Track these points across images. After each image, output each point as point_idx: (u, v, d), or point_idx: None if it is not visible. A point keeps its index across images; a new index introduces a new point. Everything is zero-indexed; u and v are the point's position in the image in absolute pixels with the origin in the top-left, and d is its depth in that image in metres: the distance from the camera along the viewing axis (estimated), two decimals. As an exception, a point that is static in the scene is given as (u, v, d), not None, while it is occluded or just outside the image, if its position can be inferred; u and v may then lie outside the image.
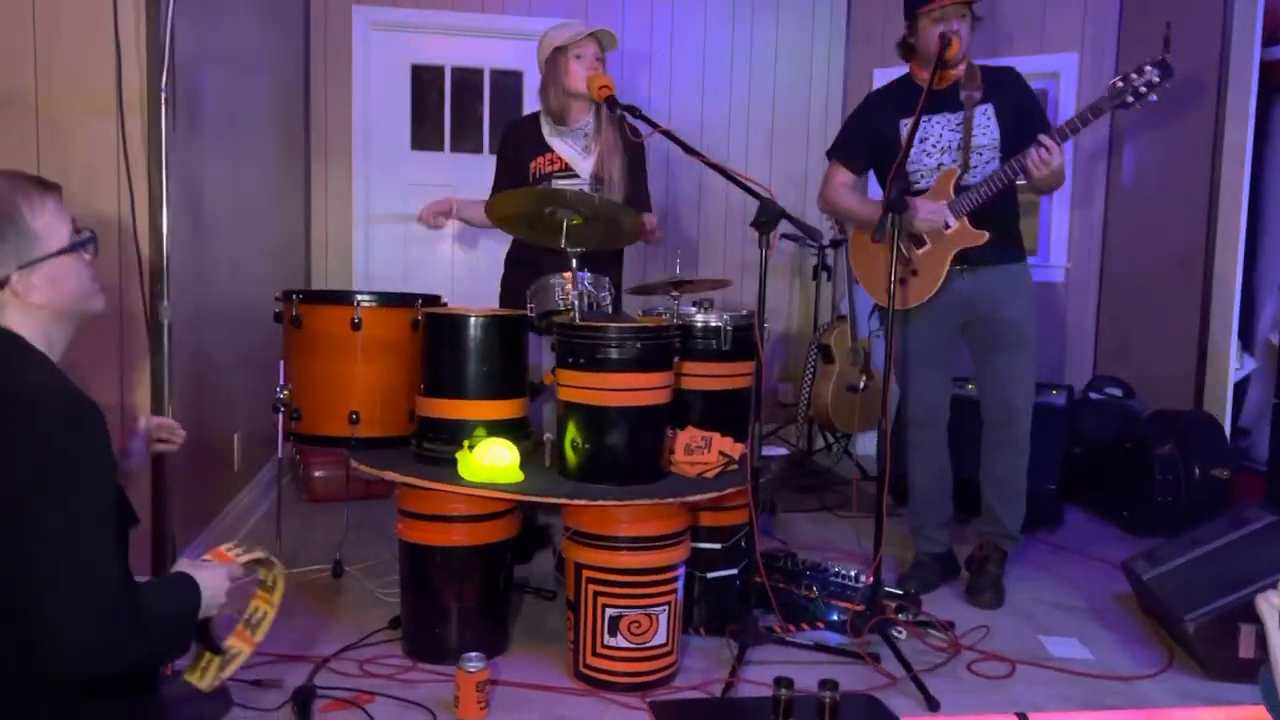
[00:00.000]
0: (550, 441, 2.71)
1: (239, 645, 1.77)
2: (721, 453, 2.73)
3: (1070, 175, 5.05)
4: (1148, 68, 2.92)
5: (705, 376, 2.87)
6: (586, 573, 2.54)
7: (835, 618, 2.93)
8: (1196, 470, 3.96)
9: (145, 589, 1.66)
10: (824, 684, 1.81)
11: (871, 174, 3.48)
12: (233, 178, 3.76)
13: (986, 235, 3.11)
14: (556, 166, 3.43)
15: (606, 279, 2.98)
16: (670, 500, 2.53)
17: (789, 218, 2.56)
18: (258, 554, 1.78)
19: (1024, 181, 3.12)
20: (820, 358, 4.92)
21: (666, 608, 2.56)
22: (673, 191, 5.50)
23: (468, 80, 5.44)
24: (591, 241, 2.92)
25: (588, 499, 2.49)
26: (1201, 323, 4.31)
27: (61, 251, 1.59)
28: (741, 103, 5.65)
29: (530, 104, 3.61)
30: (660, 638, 2.56)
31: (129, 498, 1.68)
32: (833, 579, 3.02)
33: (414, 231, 5.10)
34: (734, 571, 2.92)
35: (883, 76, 4.95)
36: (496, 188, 3.49)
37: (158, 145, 2.66)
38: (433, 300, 2.94)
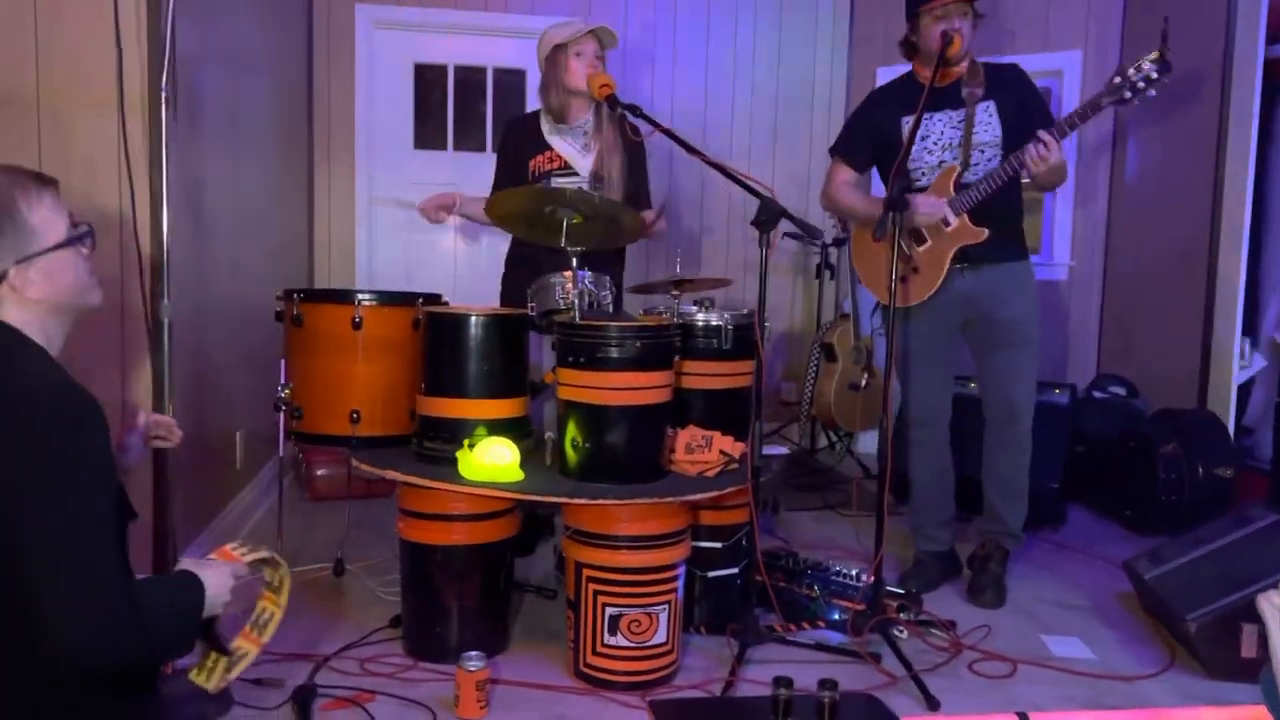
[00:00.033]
0: (551, 440, 2.71)
1: (246, 646, 1.77)
2: (722, 452, 2.72)
3: (1073, 173, 5.04)
4: (1146, 63, 2.91)
5: (706, 375, 2.87)
6: (587, 572, 2.54)
7: (836, 617, 2.92)
8: (1200, 469, 3.95)
9: (145, 585, 1.66)
10: (823, 683, 1.81)
11: (874, 171, 3.48)
12: (234, 176, 3.76)
13: (986, 232, 3.10)
14: (556, 164, 3.43)
15: (607, 278, 2.98)
16: (670, 499, 2.53)
17: (789, 216, 2.56)
18: (263, 553, 1.78)
19: (1028, 180, 3.12)
20: (823, 356, 4.92)
21: (667, 607, 2.56)
22: (675, 190, 5.50)
23: (471, 79, 5.44)
24: (591, 240, 2.92)
25: (588, 498, 2.49)
26: (1205, 321, 4.30)
27: (59, 246, 1.59)
28: (744, 101, 5.64)
29: (533, 103, 3.61)
30: (660, 637, 2.55)
31: (127, 492, 1.68)
32: (834, 578, 3.02)
33: (417, 231, 5.11)
34: (735, 570, 2.92)
35: (886, 74, 4.94)
36: (496, 186, 3.49)
37: (158, 143, 2.66)
38: (433, 299, 2.94)
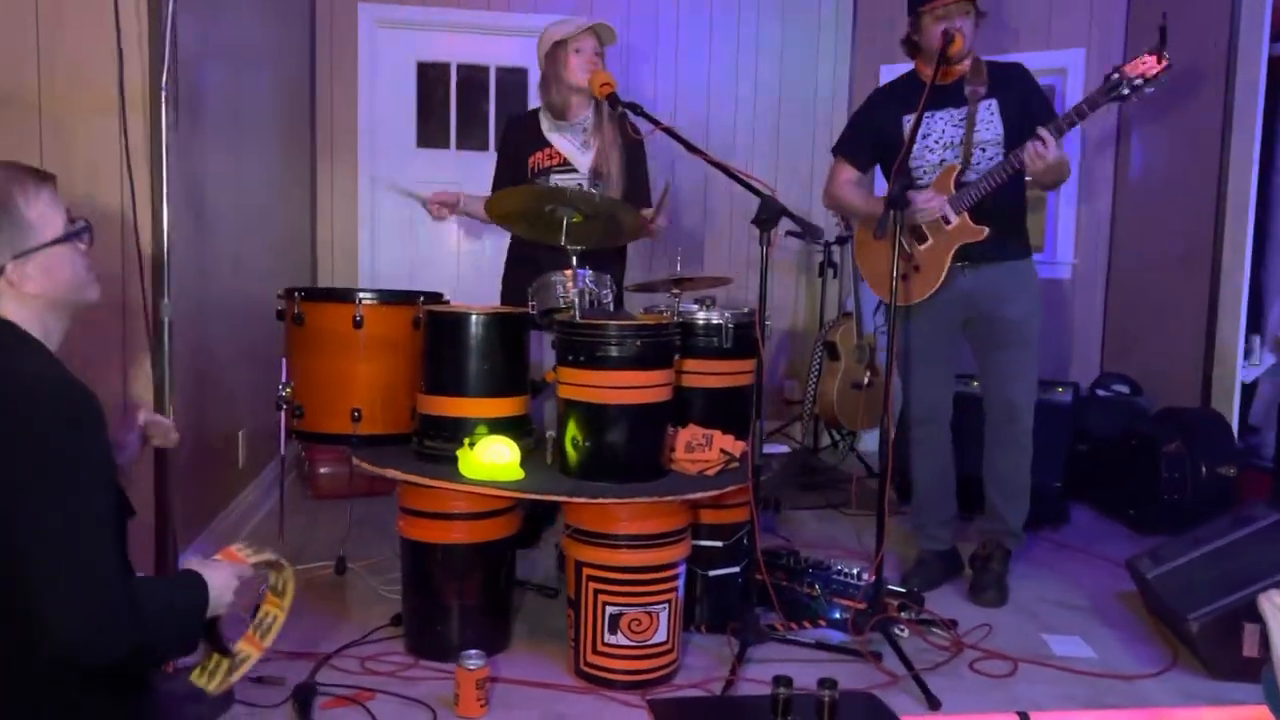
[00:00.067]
0: (552, 439, 2.71)
1: (248, 649, 1.76)
2: (722, 450, 2.72)
3: (1077, 171, 5.03)
4: (1143, 59, 2.90)
5: (707, 374, 2.87)
6: (587, 570, 2.54)
7: (837, 616, 2.92)
8: (1203, 468, 3.94)
9: (146, 584, 1.66)
10: (823, 683, 1.81)
11: (878, 170, 3.47)
12: (237, 174, 3.77)
13: (986, 231, 3.09)
14: (555, 161, 3.44)
15: (608, 276, 2.98)
16: (670, 498, 2.53)
17: (790, 215, 2.55)
18: (268, 556, 1.77)
19: (1029, 178, 3.11)
20: (826, 355, 4.92)
21: (667, 606, 2.56)
22: (677, 189, 5.49)
23: (473, 77, 5.44)
24: (591, 239, 2.92)
25: (588, 497, 2.49)
26: (1209, 319, 4.29)
27: (56, 241, 1.59)
28: (747, 99, 5.63)
29: (535, 101, 3.62)
30: (661, 636, 2.56)
31: (127, 491, 1.68)
32: (835, 577, 3.01)
33: (420, 229, 5.11)
34: (736, 569, 2.92)
35: (889, 72, 4.94)
36: (497, 185, 3.50)
37: (159, 142, 2.66)
38: (434, 298, 2.94)
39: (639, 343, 2.54)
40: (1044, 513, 3.96)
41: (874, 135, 3.33)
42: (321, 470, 4.26)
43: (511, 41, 5.31)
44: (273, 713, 2.35)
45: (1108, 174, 5.09)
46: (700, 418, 2.82)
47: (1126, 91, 2.92)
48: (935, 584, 3.33)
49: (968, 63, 3.18)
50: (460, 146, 5.45)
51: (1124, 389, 4.65)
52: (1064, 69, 5.03)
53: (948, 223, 3.13)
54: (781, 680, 1.80)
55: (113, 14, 2.60)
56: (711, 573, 2.89)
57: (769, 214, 2.52)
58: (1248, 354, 4.40)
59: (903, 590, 3.09)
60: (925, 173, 3.21)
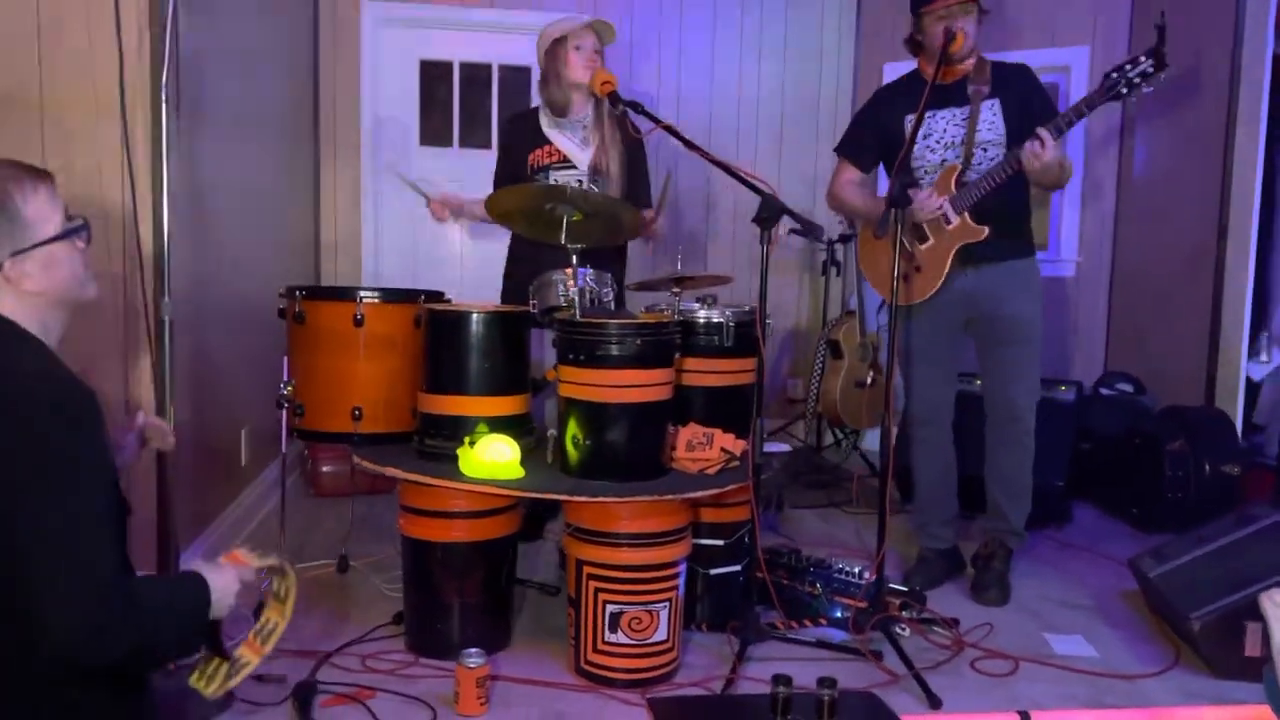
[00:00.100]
0: (553, 437, 2.71)
1: (248, 655, 1.76)
2: (723, 449, 2.72)
3: (1081, 169, 5.02)
4: (1141, 58, 2.89)
5: (707, 373, 2.86)
6: (587, 569, 2.54)
7: (839, 614, 2.92)
8: (1207, 467, 3.92)
9: (147, 584, 1.67)
10: (822, 681, 1.80)
11: (882, 170, 3.47)
12: (240, 174, 3.77)
13: (986, 231, 3.09)
14: (555, 158, 3.44)
15: (609, 275, 2.98)
16: (671, 497, 2.53)
17: (790, 213, 2.55)
18: (273, 561, 1.77)
19: (1030, 178, 3.10)
20: (829, 353, 4.91)
21: (667, 604, 2.56)
22: (680, 189, 5.49)
23: (476, 76, 5.44)
24: (591, 237, 2.92)
25: (588, 495, 2.49)
26: (1213, 318, 4.28)
27: (54, 239, 1.60)
28: (750, 98, 5.62)
29: (538, 99, 3.62)
30: (661, 634, 2.55)
31: (121, 487, 1.68)
32: (836, 575, 3.01)
33: (424, 229, 5.11)
34: (737, 568, 2.92)
35: (892, 70, 4.93)
36: (497, 183, 3.51)
37: (160, 142, 2.67)
38: (435, 296, 2.94)
39: (639, 341, 2.54)
40: (1047, 511, 3.96)
41: (877, 135, 3.32)
42: (324, 468, 4.27)
43: (514, 39, 5.31)
44: (273, 711, 2.35)
45: (1112, 172, 5.08)
46: (701, 416, 2.82)
47: (1124, 91, 2.91)
48: (937, 583, 3.33)
49: (971, 62, 3.17)
50: (463, 145, 5.45)
51: (1128, 387, 4.64)
52: (1067, 67, 5.02)
53: (948, 223, 3.12)
54: (781, 679, 1.80)
55: (113, 14, 2.61)
56: (712, 571, 2.89)
57: (769, 212, 2.52)
58: (1257, 352, 4.39)
59: (904, 589, 3.09)
60: (926, 172, 3.20)
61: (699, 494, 2.60)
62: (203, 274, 3.26)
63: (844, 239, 5.08)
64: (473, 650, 2.39)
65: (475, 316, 2.70)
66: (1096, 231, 5.11)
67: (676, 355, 2.69)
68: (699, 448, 2.72)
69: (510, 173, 3.51)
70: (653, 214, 3.35)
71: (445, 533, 2.66)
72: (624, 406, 2.56)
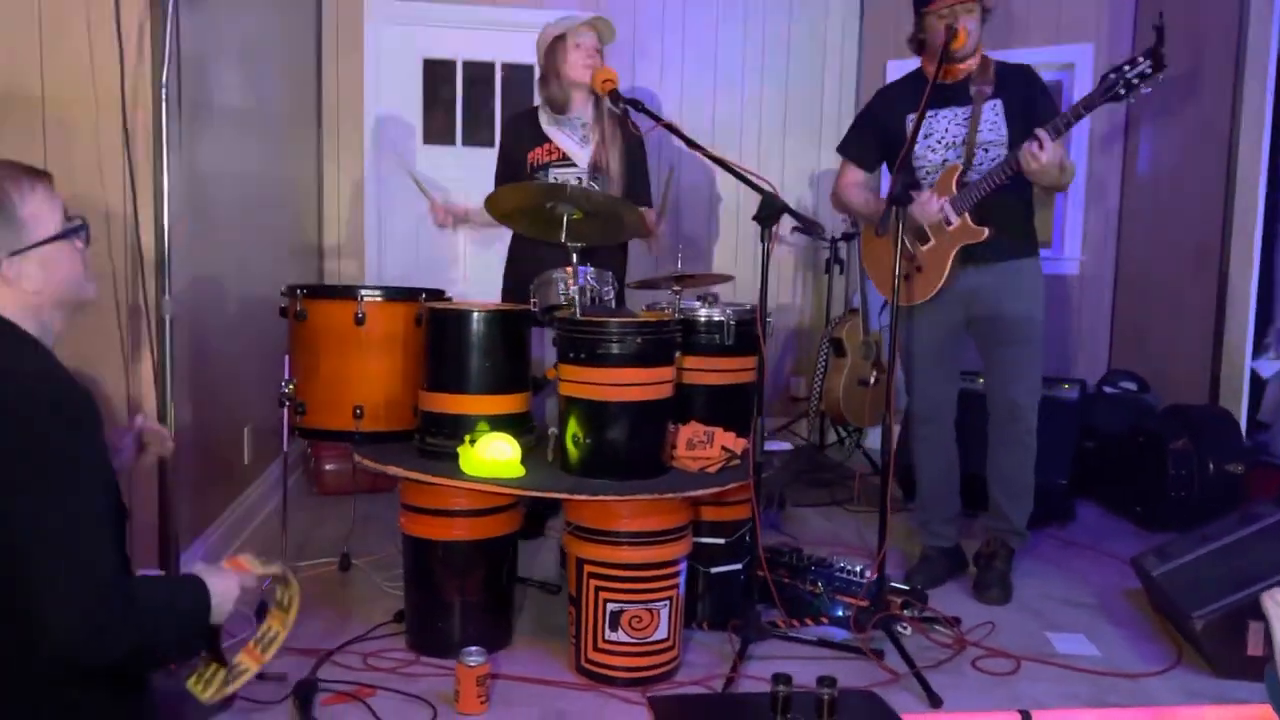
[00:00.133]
0: (553, 436, 2.71)
1: (247, 662, 1.75)
2: (724, 448, 2.71)
3: (1085, 167, 5.01)
4: (1140, 59, 2.87)
5: (708, 371, 2.86)
6: (588, 567, 2.54)
7: (840, 613, 2.91)
8: (1210, 465, 3.91)
9: (147, 584, 1.66)
10: (822, 680, 1.80)
11: (885, 169, 3.46)
12: (242, 172, 3.77)
13: (986, 232, 3.07)
14: (554, 157, 3.45)
15: (609, 273, 2.98)
16: (671, 495, 2.53)
17: (791, 212, 2.55)
18: (276, 569, 1.76)
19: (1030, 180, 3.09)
20: (832, 351, 4.91)
21: (668, 603, 2.56)
22: (684, 186, 5.49)
23: (479, 74, 5.44)
24: (592, 236, 2.92)
25: (589, 494, 2.49)
26: (1217, 316, 4.26)
27: (52, 239, 1.60)
28: (754, 96, 5.61)
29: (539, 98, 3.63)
30: (661, 633, 2.55)
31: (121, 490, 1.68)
32: (838, 574, 3.01)
33: (427, 227, 5.10)
34: (738, 566, 2.91)
35: (896, 68, 4.92)
36: (497, 182, 3.51)
37: (161, 140, 2.67)
38: (436, 295, 2.94)
39: (640, 340, 2.54)
40: (1050, 509, 3.95)
41: (878, 134, 3.32)
42: (327, 466, 4.27)
43: (517, 37, 5.29)
44: (274, 708, 2.36)
45: (1116, 170, 5.06)
46: (702, 415, 2.81)
47: (1123, 92, 2.89)
48: (939, 581, 3.32)
49: (974, 61, 3.16)
50: (466, 143, 5.45)
51: (1131, 386, 4.62)
52: (1072, 64, 5.00)
53: (949, 224, 3.11)
54: (780, 678, 1.80)
55: (114, 11, 2.61)
56: (713, 570, 2.89)
57: (769, 210, 2.51)
58: (1266, 348, 4.38)
59: (906, 588, 3.09)
60: (928, 172, 3.20)
61: (699, 492, 2.60)
62: (204, 272, 3.27)
63: (847, 237, 5.07)
64: (473, 648, 2.39)
65: (476, 315, 2.70)
66: (1100, 229, 5.10)
67: (677, 354, 2.68)
68: (700, 446, 2.72)
69: (510, 171, 3.51)
70: (656, 213, 3.34)
71: (446, 531, 2.66)
72: (624, 405, 2.55)
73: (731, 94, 5.59)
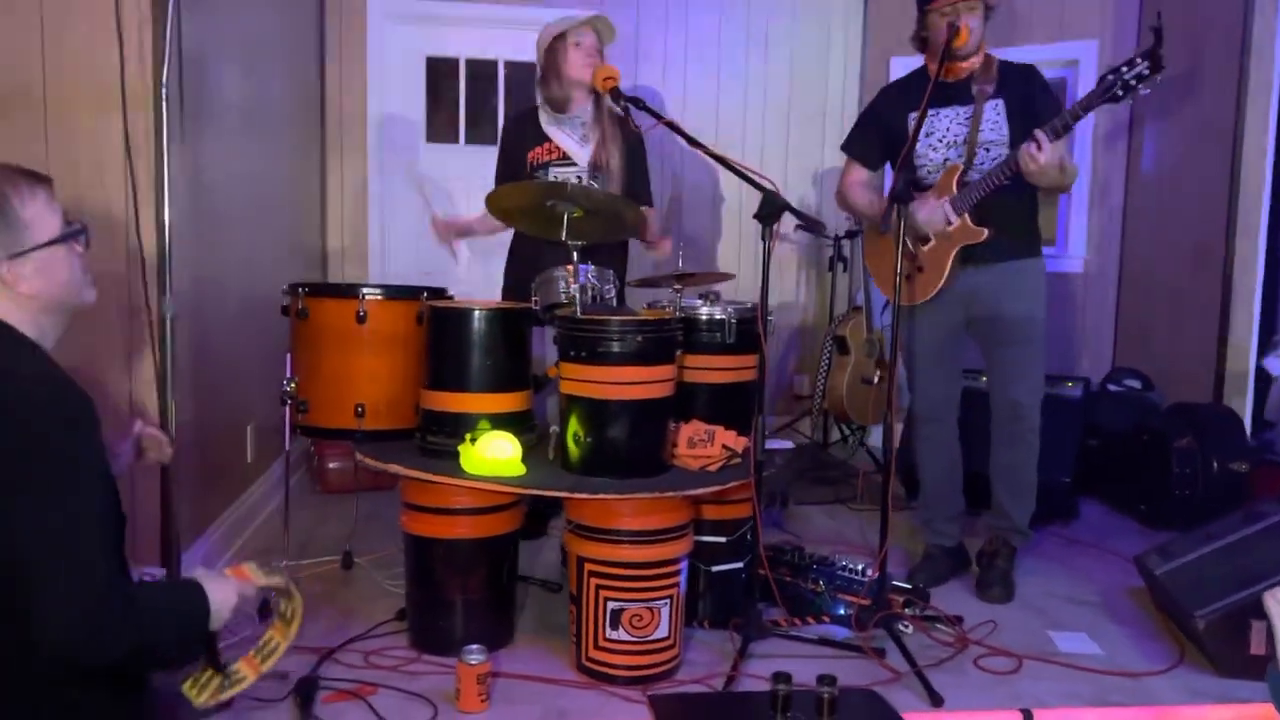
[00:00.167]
0: (554, 434, 2.71)
1: (244, 671, 1.75)
2: (725, 446, 2.71)
3: (1089, 166, 4.99)
4: (1138, 60, 2.85)
5: (709, 369, 2.86)
6: (588, 566, 2.54)
7: (842, 612, 2.91)
8: (1215, 464, 3.90)
9: (147, 588, 1.67)
10: (822, 679, 1.80)
11: (888, 167, 3.45)
12: (244, 171, 3.78)
13: (986, 233, 3.06)
14: (554, 155, 3.45)
15: (610, 272, 2.97)
16: (672, 494, 2.53)
17: (792, 210, 2.54)
18: (278, 580, 1.76)
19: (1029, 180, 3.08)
20: (835, 349, 4.90)
21: (668, 601, 2.55)
22: (688, 185, 5.48)
23: (483, 72, 5.44)
24: (592, 234, 2.91)
25: (589, 492, 2.49)
26: (1222, 314, 4.25)
27: (52, 242, 1.60)
28: (757, 94, 5.61)
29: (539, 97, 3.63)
30: (662, 631, 2.55)
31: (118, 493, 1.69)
32: (840, 573, 3.01)
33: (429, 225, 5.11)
34: (739, 565, 2.91)
35: (899, 65, 4.90)
36: (497, 182, 3.51)
37: (162, 140, 2.67)
38: (438, 293, 2.95)
39: (641, 338, 2.53)
40: (1054, 508, 3.94)
41: (881, 133, 3.31)
42: (330, 465, 4.28)
43: (521, 36, 5.28)
44: (276, 706, 2.36)
45: (1120, 168, 5.05)
46: (703, 413, 2.81)
47: (1121, 93, 2.86)
48: (942, 580, 3.32)
49: (977, 60, 3.15)
50: (470, 141, 5.45)
51: (1135, 384, 4.61)
52: (1076, 61, 4.98)
53: (949, 224, 3.10)
54: (781, 676, 1.80)
55: (114, 10, 2.61)
56: (714, 568, 2.89)
57: (770, 209, 2.51)
58: (1275, 345, 4.36)
59: (908, 586, 3.09)
60: (929, 171, 3.19)
61: (700, 491, 2.59)
62: (206, 272, 3.27)
63: (850, 235, 5.07)
64: (474, 647, 2.39)
65: (477, 313, 2.70)
66: (1105, 227, 5.08)
67: (678, 352, 2.68)
68: (700, 444, 2.72)
69: (510, 171, 3.52)
70: (656, 228, 3.33)
71: (447, 529, 2.66)
72: (625, 403, 2.55)
73: (735, 92, 5.58)
